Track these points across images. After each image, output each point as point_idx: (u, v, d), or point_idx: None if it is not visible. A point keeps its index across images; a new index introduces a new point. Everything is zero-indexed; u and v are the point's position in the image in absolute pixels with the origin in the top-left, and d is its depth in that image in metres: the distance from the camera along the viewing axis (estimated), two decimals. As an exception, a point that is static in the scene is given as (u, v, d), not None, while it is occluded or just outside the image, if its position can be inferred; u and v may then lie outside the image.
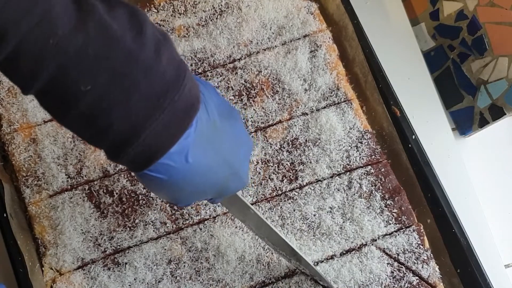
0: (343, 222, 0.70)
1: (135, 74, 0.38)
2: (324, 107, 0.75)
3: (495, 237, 0.81)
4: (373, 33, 0.80)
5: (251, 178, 0.71)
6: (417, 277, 0.68)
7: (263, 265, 0.68)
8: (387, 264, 0.68)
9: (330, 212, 0.70)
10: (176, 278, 0.67)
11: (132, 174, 0.70)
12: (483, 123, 0.87)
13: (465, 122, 0.90)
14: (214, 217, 0.70)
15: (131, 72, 0.38)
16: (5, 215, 0.66)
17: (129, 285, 0.66)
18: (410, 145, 0.74)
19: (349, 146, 0.73)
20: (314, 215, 0.70)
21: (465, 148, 0.90)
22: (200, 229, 0.69)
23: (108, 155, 0.42)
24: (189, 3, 0.80)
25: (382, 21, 0.91)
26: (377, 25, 0.88)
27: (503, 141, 0.92)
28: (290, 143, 0.73)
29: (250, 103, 0.75)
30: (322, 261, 0.68)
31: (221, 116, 0.46)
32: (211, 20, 0.79)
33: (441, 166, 0.75)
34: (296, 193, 0.71)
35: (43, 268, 0.67)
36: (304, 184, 0.72)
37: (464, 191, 0.82)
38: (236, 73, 0.76)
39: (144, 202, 0.69)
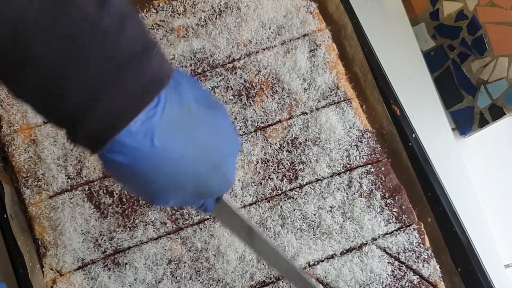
0: (343, 221, 0.70)
1: (94, 41, 0.36)
2: (324, 106, 0.75)
3: (495, 237, 0.81)
4: (373, 33, 0.80)
5: (251, 178, 0.71)
6: (418, 276, 0.68)
7: (263, 264, 0.67)
8: (388, 263, 0.68)
9: (330, 211, 0.70)
10: (176, 278, 0.67)
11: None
12: (483, 123, 0.87)
13: (465, 122, 0.90)
14: (214, 217, 0.70)
15: (90, 36, 0.36)
16: (5, 216, 0.66)
17: (130, 285, 0.66)
18: (410, 144, 0.74)
19: (349, 145, 0.73)
20: (314, 215, 0.70)
21: (465, 148, 0.90)
22: (200, 229, 0.69)
23: (67, 134, 0.39)
24: (188, 3, 0.80)
25: (382, 21, 0.91)
26: (377, 25, 0.88)
27: (503, 141, 0.92)
28: (290, 142, 0.73)
29: (250, 102, 0.75)
30: (323, 260, 0.68)
31: (199, 103, 0.43)
32: (210, 20, 0.79)
33: (441, 166, 0.75)
34: (296, 193, 0.71)
35: (43, 269, 0.67)
36: (304, 183, 0.71)
37: (464, 191, 0.82)
38: (236, 73, 0.76)
39: (144, 202, 0.69)
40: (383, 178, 0.72)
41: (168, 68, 0.40)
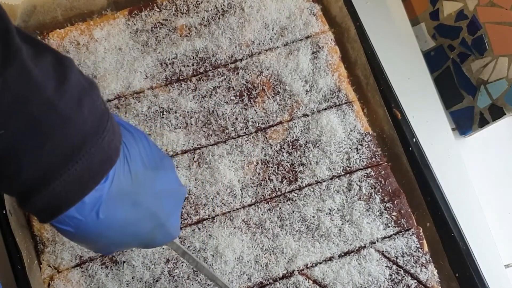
0: (342, 224, 0.70)
1: (51, 123, 0.37)
2: (325, 109, 0.75)
3: (495, 237, 0.81)
4: (373, 33, 0.79)
5: (251, 178, 0.71)
6: (415, 281, 0.68)
7: (261, 266, 0.67)
8: (386, 267, 0.68)
9: (329, 214, 0.70)
10: (173, 277, 0.67)
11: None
12: (483, 123, 0.86)
13: (465, 122, 0.89)
14: (213, 217, 0.70)
15: (47, 120, 0.37)
16: (4, 212, 0.66)
17: (127, 284, 0.66)
18: (410, 148, 0.73)
19: (350, 148, 0.73)
20: (313, 217, 0.70)
21: (465, 148, 0.90)
22: (199, 229, 0.69)
23: (17, 202, 0.41)
24: (191, 2, 0.80)
25: (382, 21, 0.91)
26: (377, 25, 0.88)
27: (503, 141, 0.92)
28: (290, 144, 0.73)
29: (251, 103, 0.75)
30: (321, 263, 0.68)
31: (146, 167, 0.45)
32: (213, 20, 0.79)
33: (441, 166, 0.74)
34: (296, 195, 0.71)
35: (41, 266, 0.67)
36: (304, 185, 0.71)
37: (464, 191, 0.82)
38: (238, 73, 0.76)
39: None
40: (383, 182, 0.72)
41: (117, 142, 0.42)
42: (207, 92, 0.75)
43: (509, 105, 0.81)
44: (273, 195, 0.71)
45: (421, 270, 0.68)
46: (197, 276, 0.67)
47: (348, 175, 0.72)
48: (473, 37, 0.86)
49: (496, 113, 0.84)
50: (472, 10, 0.85)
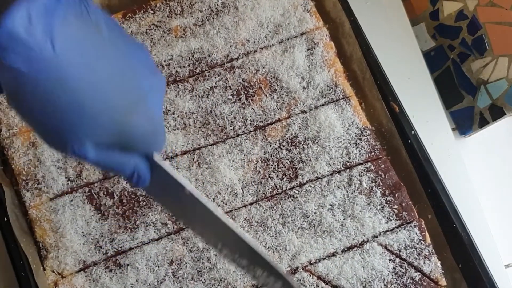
0: (344, 219, 0.70)
1: None
2: (323, 105, 0.75)
3: (495, 237, 0.81)
4: (373, 33, 0.79)
5: (251, 177, 0.71)
6: (419, 273, 0.68)
7: (264, 263, 0.67)
8: (389, 260, 0.68)
9: (331, 209, 0.70)
10: (178, 278, 0.67)
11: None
12: (483, 123, 0.87)
13: (465, 122, 0.90)
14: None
15: None
16: (5, 219, 0.66)
17: (131, 287, 0.66)
18: (409, 141, 0.74)
19: (349, 143, 0.73)
20: (315, 213, 0.70)
21: (465, 148, 0.90)
22: (201, 229, 0.69)
23: None
24: (185, 3, 0.80)
25: (382, 21, 0.91)
26: (377, 25, 0.88)
27: (503, 141, 0.92)
28: (290, 141, 0.73)
29: (249, 102, 0.75)
30: (324, 258, 0.68)
31: (111, 29, 0.38)
32: (207, 20, 0.79)
33: (441, 166, 0.74)
34: (297, 191, 0.71)
35: (44, 271, 0.67)
36: (304, 182, 0.71)
37: (464, 191, 0.82)
38: (234, 72, 0.76)
39: (144, 203, 0.69)
40: (383, 176, 0.72)
41: None
42: (204, 92, 0.75)
43: (509, 105, 0.82)
44: (274, 192, 0.71)
45: (424, 262, 0.68)
46: (201, 276, 0.67)
47: (348, 170, 0.72)
48: (473, 37, 0.86)
49: (496, 113, 0.84)
50: (472, 10, 0.85)
